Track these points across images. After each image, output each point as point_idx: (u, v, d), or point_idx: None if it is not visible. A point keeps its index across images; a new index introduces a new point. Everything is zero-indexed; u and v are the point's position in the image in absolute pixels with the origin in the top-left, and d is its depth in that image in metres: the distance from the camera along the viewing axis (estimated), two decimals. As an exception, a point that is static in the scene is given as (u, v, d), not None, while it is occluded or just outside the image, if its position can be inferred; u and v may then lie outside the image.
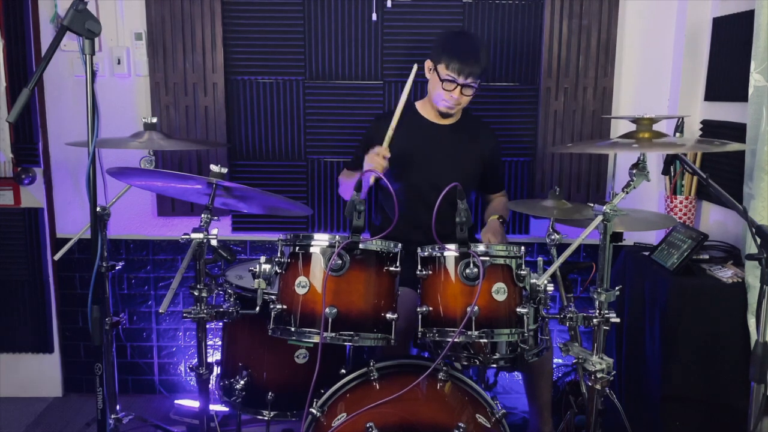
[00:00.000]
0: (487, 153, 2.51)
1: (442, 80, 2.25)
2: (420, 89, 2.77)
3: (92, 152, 1.49)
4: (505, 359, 1.89)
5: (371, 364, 1.81)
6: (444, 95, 2.28)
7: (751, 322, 2.06)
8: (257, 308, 1.83)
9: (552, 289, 1.75)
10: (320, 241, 1.71)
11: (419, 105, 2.47)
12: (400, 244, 1.76)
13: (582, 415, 1.99)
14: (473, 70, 2.22)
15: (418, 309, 1.74)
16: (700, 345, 2.14)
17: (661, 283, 2.23)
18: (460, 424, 1.55)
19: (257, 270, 1.80)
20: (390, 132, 2.17)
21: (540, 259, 1.85)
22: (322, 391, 1.80)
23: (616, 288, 1.67)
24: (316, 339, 1.67)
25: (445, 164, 2.40)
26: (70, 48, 2.72)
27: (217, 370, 2.13)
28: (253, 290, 1.86)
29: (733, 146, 1.62)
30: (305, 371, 2.01)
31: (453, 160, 2.41)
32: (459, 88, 2.25)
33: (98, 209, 1.68)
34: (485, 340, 1.73)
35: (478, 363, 1.88)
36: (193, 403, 2.73)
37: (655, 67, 2.79)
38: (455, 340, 1.67)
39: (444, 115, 2.39)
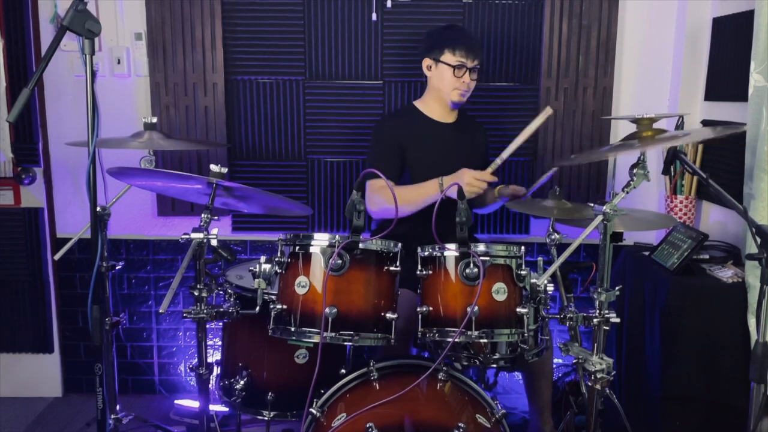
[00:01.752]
0: (484, 151, 2.55)
1: (454, 67, 2.29)
2: (415, 88, 2.77)
3: (92, 152, 1.49)
4: (505, 359, 1.89)
5: (371, 364, 1.80)
6: (456, 83, 2.32)
7: (751, 322, 2.06)
8: (257, 308, 1.83)
9: (552, 289, 1.75)
10: (320, 240, 1.71)
11: (419, 104, 2.47)
12: (400, 244, 1.76)
13: (582, 415, 2.00)
14: (478, 52, 2.32)
15: (418, 309, 1.74)
16: (700, 345, 2.14)
17: (661, 283, 2.23)
18: (460, 424, 1.55)
19: (257, 270, 1.80)
20: (499, 161, 2.23)
21: (540, 259, 1.85)
22: (322, 391, 1.80)
23: (616, 288, 1.67)
24: (316, 339, 1.67)
25: (451, 162, 2.40)
26: (70, 48, 2.72)
27: (217, 370, 2.13)
28: (253, 290, 1.86)
29: (737, 130, 1.61)
30: (305, 371, 2.01)
31: (458, 158, 2.42)
32: (468, 72, 2.30)
33: (98, 209, 1.68)
34: (485, 340, 1.72)
35: (478, 363, 1.88)
36: (193, 403, 2.73)
37: (655, 67, 2.79)
38: (455, 340, 1.67)
39: (456, 105, 2.41)
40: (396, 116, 2.57)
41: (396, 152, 2.37)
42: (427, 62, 2.36)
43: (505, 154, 2.22)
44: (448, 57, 2.29)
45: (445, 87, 2.34)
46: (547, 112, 2.16)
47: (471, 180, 2.16)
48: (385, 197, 2.22)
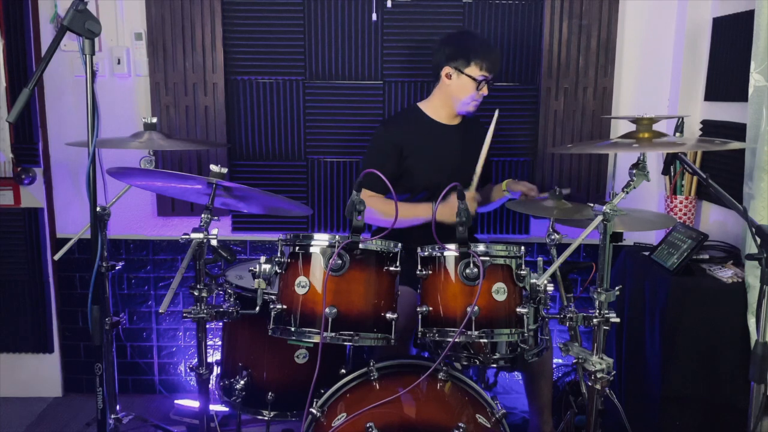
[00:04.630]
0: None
1: (478, 81, 2.30)
2: (416, 88, 2.77)
3: (92, 152, 1.50)
4: (505, 359, 1.89)
5: (371, 364, 1.81)
6: (476, 95, 2.34)
7: (751, 322, 2.06)
8: (257, 308, 1.83)
9: (552, 289, 1.75)
10: (320, 241, 1.72)
11: (424, 106, 2.46)
12: (400, 244, 1.76)
13: (582, 415, 1.99)
14: (497, 64, 2.36)
15: (418, 309, 1.74)
16: (700, 345, 2.14)
17: (661, 283, 2.23)
18: (460, 424, 1.55)
19: (257, 270, 1.80)
20: (475, 178, 2.31)
21: (540, 259, 1.85)
22: (322, 391, 1.80)
23: (616, 288, 1.67)
24: (316, 339, 1.68)
25: (455, 163, 2.41)
26: (70, 48, 2.72)
27: (217, 370, 2.13)
28: (253, 290, 1.86)
29: (734, 145, 1.62)
30: (305, 371, 2.01)
31: (463, 160, 2.42)
32: (486, 84, 2.33)
33: (98, 209, 1.68)
34: (485, 340, 1.73)
35: (478, 363, 1.88)
36: (193, 403, 2.73)
37: (655, 67, 2.79)
38: (455, 340, 1.67)
39: (469, 115, 2.43)
40: (399, 119, 2.56)
41: (393, 159, 2.35)
42: (447, 70, 2.33)
43: (478, 168, 2.31)
44: (473, 71, 2.29)
45: (463, 98, 2.34)
46: (495, 116, 2.28)
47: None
48: (372, 206, 2.22)
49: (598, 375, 1.65)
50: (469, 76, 2.30)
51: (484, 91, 2.33)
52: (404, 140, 2.37)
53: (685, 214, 2.54)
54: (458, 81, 2.32)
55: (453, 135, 2.44)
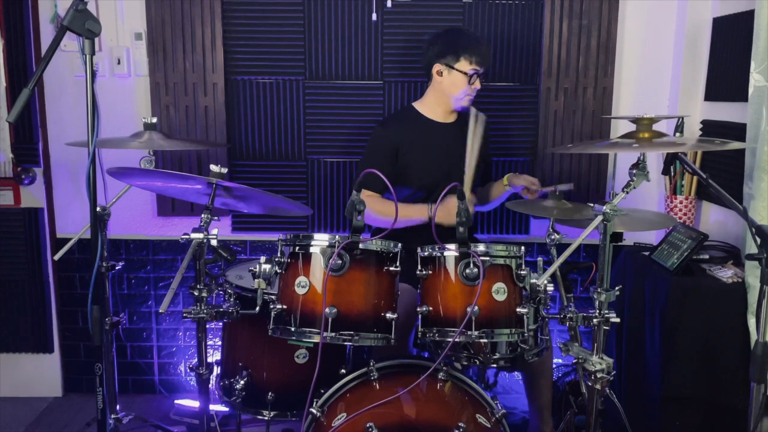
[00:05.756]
0: (484, 148, 2.54)
1: (469, 75, 2.30)
2: (415, 88, 2.77)
3: (92, 152, 1.49)
4: (505, 359, 1.89)
5: (371, 364, 1.81)
6: (468, 90, 2.34)
7: (751, 322, 2.06)
8: (257, 308, 1.83)
9: (552, 289, 1.75)
10: (320, 241, 1.72)
11: (419, 105, 2.46)
12: (400, 244, 1.76)
13: (582, 415, 1.99)
14: (489, 57, 2.38)
15: (418, 309, 1.74)
16: (700, 345, 2.14)
17: (661, 283, 2.23)
18: (460, 424, 1.55)
19: (257, 270, 1.80)
20: (467, 179, 2.34)
21: (540, 259, 1.85)
22: (322, 391, 1.80)
23: (616, 288, 1.67)
24: (316, 339, 1.68)
25: (454, 161, 2.41)
26: (70, 48, 2.72)
27: (217, 370, 2.13)
28: (253, 290, 1.86)
29: (734, 145, 1.62)
30: (305, 371, 2.01)
31: (460, 157, 2.42)
32: (478, 78, 2.33)
33: (98, 209, 1.68)
34: (485, 340, 1.73)
35: (478, 363, 1.88)
36: (193, 403, 2.73)
37: (655, 67, 2.79)
38: (455, 340, 1.67)
39: (464, 109, 2.43)
40: (395, 119, 2.56)
41: (390, 159, 2.36)
42: (438, 67, 2.34)
43: (467, 169, 2.33)
44: (463, 65, 2.30)
45: (456, 93, 2.34)
46: (479, 118, 2.35)
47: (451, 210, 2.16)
48: (369, 206, 2.22)
49: (598, 375, 1.65)
50: (460, 71, 2.30)
51: (477, 84, 2.33)
52: (401, 140, 2.37)
53: (685, 214, 2.54)
54: (449, 77, 2.33)
55: (448, 132, 2.44)
